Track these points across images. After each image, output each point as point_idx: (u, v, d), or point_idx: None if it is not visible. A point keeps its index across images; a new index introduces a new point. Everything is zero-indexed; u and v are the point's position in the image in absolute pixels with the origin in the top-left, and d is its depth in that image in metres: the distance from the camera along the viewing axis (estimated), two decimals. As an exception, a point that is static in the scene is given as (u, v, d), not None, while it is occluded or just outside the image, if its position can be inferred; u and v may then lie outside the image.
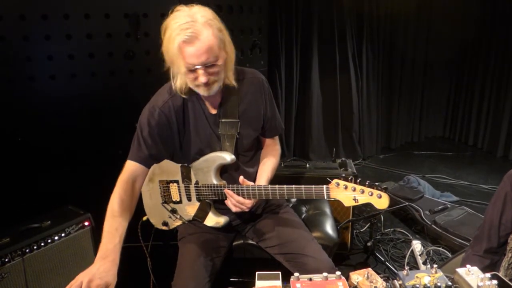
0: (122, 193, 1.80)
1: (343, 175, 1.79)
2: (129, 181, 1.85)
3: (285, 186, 1.86)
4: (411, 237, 3.52)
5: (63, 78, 2.85)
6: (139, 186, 1.91)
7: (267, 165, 2.11)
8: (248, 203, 1.91)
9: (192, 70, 1.72)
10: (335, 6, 4.83)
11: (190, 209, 2.08)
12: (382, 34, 5.38)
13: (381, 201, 1.70)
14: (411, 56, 5.71)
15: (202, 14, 1.70)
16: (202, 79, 1.73)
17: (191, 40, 1.65)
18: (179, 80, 1.84)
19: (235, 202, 1.91)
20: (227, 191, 1.92)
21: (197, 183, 2.02)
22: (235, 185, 1.94)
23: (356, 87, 5.19)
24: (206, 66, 1.71)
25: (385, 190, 1.72)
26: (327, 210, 2.59)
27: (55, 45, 2.78)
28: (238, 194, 1.93)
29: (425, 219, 3.54)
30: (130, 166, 1.89)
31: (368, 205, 1.75)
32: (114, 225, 1.69)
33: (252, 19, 3.66)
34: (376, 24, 5.24)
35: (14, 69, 2.71)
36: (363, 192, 1.73)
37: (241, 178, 1.90)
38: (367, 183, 1.74)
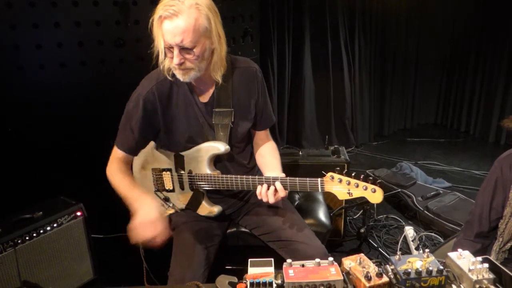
0: (121, 168, 1.96)
1: (338, 168, 1.79)
2: (122, 163, 1.97)
3: (279, 177, 1.86)
4: (403, 223, 3.55)
5: (52, 67, 2.81)
6: (129, 167, 2.03)
7: (275, 157, 2.10)
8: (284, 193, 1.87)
9: (169, 49, 1.71)
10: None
11: (183, 198, 2.07)
12: (375, 21, 5.35)
13: (375, 196, 1.71)
14: (403, 43, 5.70)
15: None
16: (175, 60, 1.71)
17: (170, 16, 1.64)
18: (167, 61, 1.81)
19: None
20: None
21: (190, 172, 2.01)
22: (228, 175, 1.93)
23: (348, 74, 5.18)
24: (182, 48, 1.69)
25: (379, 184, 1.71)
26: (320, 197, 2.60)
27: (44, 34, 2.74)
28: (231, 184, 1.93)
29: (417, 205, 3.57)
30: (118, 154, 1.97)
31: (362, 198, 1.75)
32: (127, 182, 1.90)
33: (244, 6, 3.63)
34: (369, 10, 5.22)
35: (2, 59, 2.67)
36: (357, 186, 1.73)
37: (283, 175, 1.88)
38: (361, 176, 1.74)
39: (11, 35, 2.65)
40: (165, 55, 1.76)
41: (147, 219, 1.68)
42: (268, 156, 2.11)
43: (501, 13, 5.09)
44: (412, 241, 3.14)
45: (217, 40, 1.77)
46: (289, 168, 3.01)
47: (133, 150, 1.98)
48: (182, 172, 2.03)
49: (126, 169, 1.98)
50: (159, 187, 2.11)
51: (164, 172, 2.07)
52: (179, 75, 1.79)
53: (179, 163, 2.02)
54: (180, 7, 1.64)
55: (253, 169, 2.17)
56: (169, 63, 1.77)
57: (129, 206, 1.77)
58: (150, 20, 1.70)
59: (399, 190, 3.79)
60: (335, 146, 3.32)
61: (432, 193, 3.69)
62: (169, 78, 1.85)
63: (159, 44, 1.72)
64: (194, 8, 1.66)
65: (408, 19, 5.64)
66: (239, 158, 2.09)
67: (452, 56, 5.94)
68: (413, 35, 5.77)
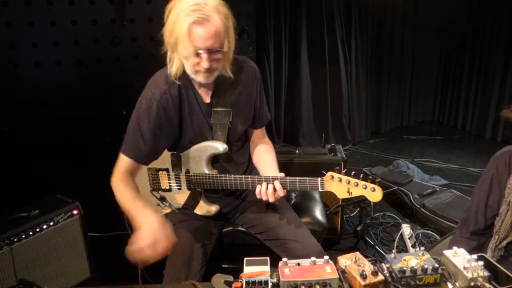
0: (125, 180, 1.81)
1: (337, 168, 1.80)
2: (127, 174, 1.83)
3: (279, 177, 1.86)
4: (400, 220, 3.55)
5: (48, 65, 2.81)
6: (133, 178, 1.87)
7: (272, 155, 2.11)
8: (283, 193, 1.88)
9: (197, 54, 1.69)
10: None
11: (180, 197, 2.06)
12: (371, 19, 5.35)
13: (374, 194, 1.72)
14: (399, 41, 5.70)
15: None
16: (205, 64, 1.69)
17: (202, 21, 1.62)
18: (176, 65, 1.78)
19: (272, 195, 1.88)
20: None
21: (187, 172, 2.00)
22: (227, 175, 1.93)
23: (345, 72, 5.18)
24: (211, 51, 1.68)
25: (379, 183, 1.73)
26: (317, 195, 2.59)
27: (40, 32, 2.73)
28: (230, 184, 1.93)
29: (414, 203, 3.57)
30: (124, 162, 1.84)
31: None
32: (129, 195, 1.75)
33: (240, 4, 3.62)
34: (365, 8, 5.22)
35: (-2, 57, 2.67)
36: (357, 185, 1.74)
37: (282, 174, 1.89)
38: (361, 175, 1.75)
39: (7, 34, 2.64)
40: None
41: (150, 239, 1.54)
42: (264, 154, 2.11)
43: (497, 10, 5.10)
44: (409, 238, 3.15)
45: (231, 36, 1.77)
46: (286, 166, 3.02)
47: (142, 157, 1.85)
48: (179, 171, 2.02)
49: (130, 181, 1.82)
50: (155, 187, 2.10)
51: (160, 172, 2.06)
52: (202, 78, 1.76)
53: (176, 163, 2.01)
54: (207, 10, 1.63)
55: (251, 167, 2.17)
56: (192, 67, 1.74)
57: (131, 221, 1.67)
58: (171, 26, 1.67)
59: (396, 187, 3.79)
60: (332, 144, 3.32)
61: (428, 191, 3.69)
62: (178, 82, 1.83)
63: (184, 52, 1.69)
64: (217, 10, 1.67)
65: (404, 16, 5.65)
66: (237, 157, 2.09)
67: (449, 53, 5.94)
68: (409, 33, 5.77)
